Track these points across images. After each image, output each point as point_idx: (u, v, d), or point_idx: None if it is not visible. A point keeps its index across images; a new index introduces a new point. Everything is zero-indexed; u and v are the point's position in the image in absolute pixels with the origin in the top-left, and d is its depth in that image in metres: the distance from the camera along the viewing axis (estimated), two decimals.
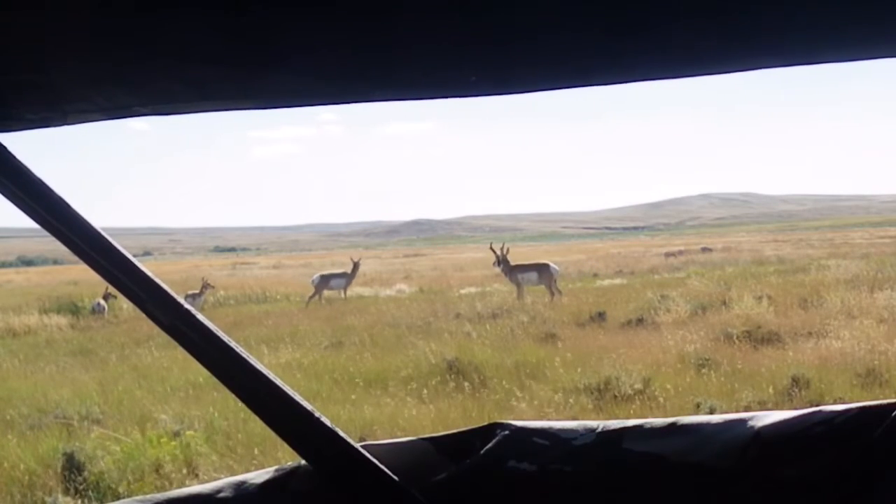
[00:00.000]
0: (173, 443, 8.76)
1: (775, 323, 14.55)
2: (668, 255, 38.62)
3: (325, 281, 24.43)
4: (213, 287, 24.60)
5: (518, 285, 22.39)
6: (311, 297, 23.68)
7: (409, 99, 1.20)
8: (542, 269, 22.87)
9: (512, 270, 23.18)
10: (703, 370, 11.40)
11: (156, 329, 1.51)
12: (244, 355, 1.46)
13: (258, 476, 1.59)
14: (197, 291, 23.39)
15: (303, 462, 1.57)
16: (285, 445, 1.60)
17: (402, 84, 1.17)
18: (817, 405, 1.60)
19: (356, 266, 25.35)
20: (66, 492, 7.97)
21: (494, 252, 23.97)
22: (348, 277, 25.07)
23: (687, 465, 1.49)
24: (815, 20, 0.98)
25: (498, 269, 23.94)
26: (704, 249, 42.16)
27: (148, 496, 1.55)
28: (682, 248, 44.33)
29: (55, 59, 1.14)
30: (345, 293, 24.63)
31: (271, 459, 7.97)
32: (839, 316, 14.99)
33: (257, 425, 8.19)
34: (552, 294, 21.31)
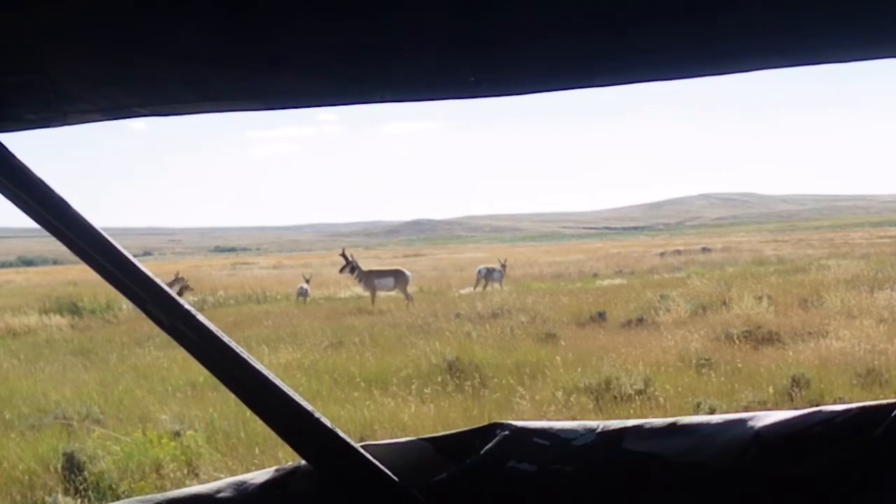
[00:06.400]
0: (174, 443, 8.76)
1: (775, 323, 14.55)
2: (667, 254, 38.66)
3: (490, 273, 26.54)
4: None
5: (373, 291, 22.78)
6: (476, 287, 25.63)
7: (409, 99, 1.19)
8: (397, 275, 23.55)
9: (368, 276, 23.61)
10: (703, 370, 11.40)
11: (156, 329, 1.51)
12: (244, 355, 1.46)
13: (258, 476, 1.59)
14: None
15: (303, 462, 1.57)
16: (285, 445, 1.60)
17: (402, 84, 1.17)
18: (817, 405, 1.60)
19: (504, 265, 27.77)
20: (67, 492, 7.97)
21: (345, 258, 24.21)
22: (502, 272, 27.26)
23: (687, 465, 1.49)
24: (815, 21, 0.98)
25: (350, 276, 24.12)
26: (704, 249, 42.19)
27: (148, 496, 1.55)
28: (681, 247, 44.36)
29: (55, 59, 1.14)
30: (501, 285, 26.16)
31: (272, 459, 7.97)
32: (839, 316, 14.98)
33: (258, 425, 8.19)
34: (409, 299, 21.96)
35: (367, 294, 23.89)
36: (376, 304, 22.00)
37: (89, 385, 12.38)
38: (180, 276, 26.94)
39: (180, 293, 23.86)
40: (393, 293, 23.61)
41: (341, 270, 24.43)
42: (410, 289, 25.79)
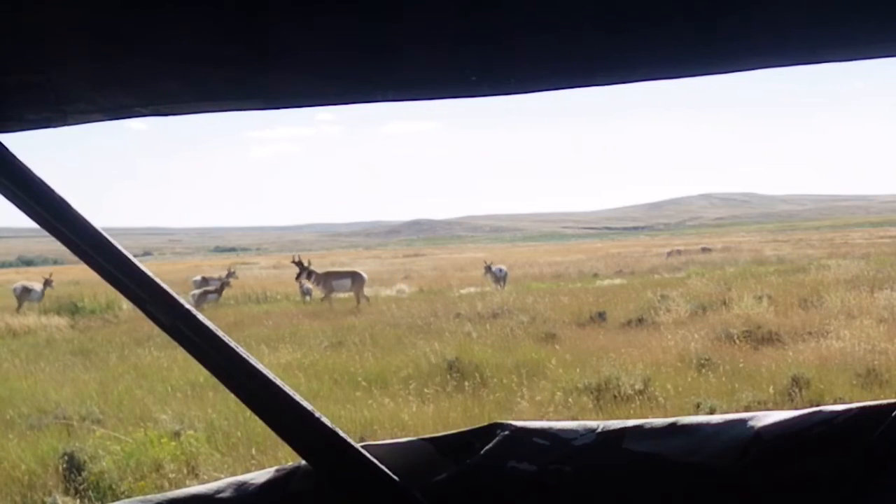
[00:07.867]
0: (174, 443, 8.77)
1: (775, 323, 14.55)
2: (668, 254, 38.68)
3: (506, 274, 27.73)
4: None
5: (330, 292, 23.30)
6: (497, 285, 26.61)
7: (409, 99, 1.19)
8: (355, 277, 24.22)
9: (326, 278, 24.11)
10: (704, 370, 11.40)
11: (156, 329, 1.51)
12: (244, 355, 1.46)
13: (258, 476, 1.59)
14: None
15: (303, 462, 1.57)
16: (285, 445, 1.59)
17: (402, 84, 1.17)
18: (817, 405, 1.60)
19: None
20: (66, 492, 7.97)
21: (298, 264, 24.49)
22: (506, 273, 28.35)
23: (687, 465, 1.49)
24: (814, 19, 0.98)
25: (307, 282, 24.40)
26: (704, 249, 42.20)
27: (148, 496, 1.55)
28: (682, 247, 44.35)
29: (55, 59, 1.14)
30: (503, 285, 26.94)
31: (272, 459, 7.98)
32: (839, 316, 14.99)
33: (258, 425, 8.19)
34: (359, 300, 22.68)
35: (369, 295, 23.88)
36: (376, 305, 22.00)
37: (89, 385, 12.39)
38: (232, 270, 28.03)
39: (222, 288, 24.53)
40: (392, 294, 23.65)
41: (297, 277, 24.54)
42: (410, 289, 25.83)
